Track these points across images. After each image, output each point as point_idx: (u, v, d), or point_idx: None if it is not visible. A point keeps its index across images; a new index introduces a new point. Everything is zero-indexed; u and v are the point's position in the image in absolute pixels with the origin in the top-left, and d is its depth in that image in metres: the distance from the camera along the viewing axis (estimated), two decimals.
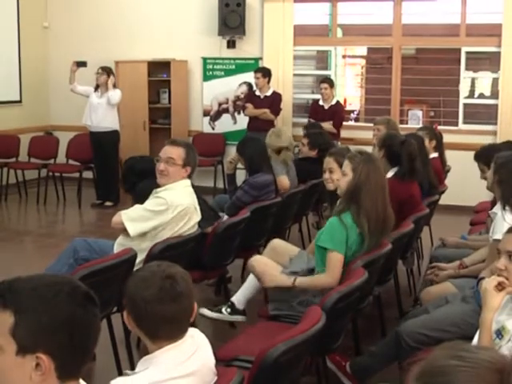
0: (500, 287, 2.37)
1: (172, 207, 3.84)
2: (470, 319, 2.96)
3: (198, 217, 4.06)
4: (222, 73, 9.22)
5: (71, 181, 8.76)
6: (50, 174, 8.71)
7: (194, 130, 9.35)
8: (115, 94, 8.04)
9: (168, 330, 1.99)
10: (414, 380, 1.20)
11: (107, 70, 8.12)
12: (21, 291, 1.37)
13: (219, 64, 9.19)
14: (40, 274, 1.47)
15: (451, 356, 1.20)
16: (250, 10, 8.83)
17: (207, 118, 9.37)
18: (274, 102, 8.19)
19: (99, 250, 3.99)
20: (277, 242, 4.28)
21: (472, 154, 4.69)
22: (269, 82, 8.22)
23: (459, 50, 8.34)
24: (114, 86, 8.11)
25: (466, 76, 8.50)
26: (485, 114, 8.93)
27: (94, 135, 8.26)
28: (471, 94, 9.39)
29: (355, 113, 11.09)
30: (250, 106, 8.21)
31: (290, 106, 8.88)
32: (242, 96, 9.03)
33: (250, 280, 4.03)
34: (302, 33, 9.00)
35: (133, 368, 3.26)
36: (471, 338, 2.40)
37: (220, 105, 9.30)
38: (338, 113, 8.08)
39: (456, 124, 8.44)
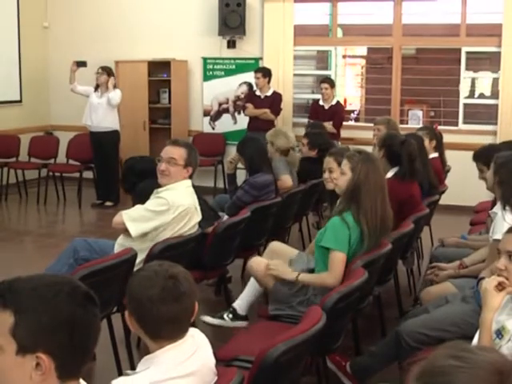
0: (500, 287, 2.38)
1: (173, 207, 3.84)
2: (470, 319, 2.96)
3: (198, 217, 4.06)
4: (222, 73, 9.22)
5: (71, 181, 8.76)
6: (50, 173, 8.71)
7: (194, 130, 9.35)
8: (115, 95, 8.04)
9: (170, 329, 1.99)
10: (414, 380, 1.20)
11: (107, 70, 8.12)
12: (21, 291, 1.37)
13: (219, 64, 9.20)
14: (40, 274, 1.47)
15: (452, 356, 1.20)
16: (251, 9, 8.83)
17: (207, 118, 9.37)
18: (275, 102, 8.19)
19: (99, 250, 3.99)
20: (276, 245, 4.29)
21: (472, 154, 4.68)
22: (269, 82, 8.22)
23: (459, 50, 8.34)
24: (115, 87, 8.11)
25: (466, 76, 8.50)
26: (485, 114, 8.93)
27: (94, 135, 8.26)
28: (471, 94, 9.39)
29: (355, 113, 11.09)
30: (250, 105, 8.21)
31: (290, 106, 8.88)
32: (242, 96, 9.03)
33: (251, 285, 4.02)
34: (302, 33, 9.00)
35: (133, 368, 3.27)
36: (471, 338, 2.40)
37: (220, 105, 9.30)
38: (338, 113, 8.08)
39: (456, 124, 8.44)
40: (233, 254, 4.55)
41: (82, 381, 1.46)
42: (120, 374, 3.48)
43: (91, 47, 9.38)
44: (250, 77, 8.73)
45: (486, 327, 2.34)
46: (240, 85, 9.12)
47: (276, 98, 8.22)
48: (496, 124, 8.12)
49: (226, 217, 4.85)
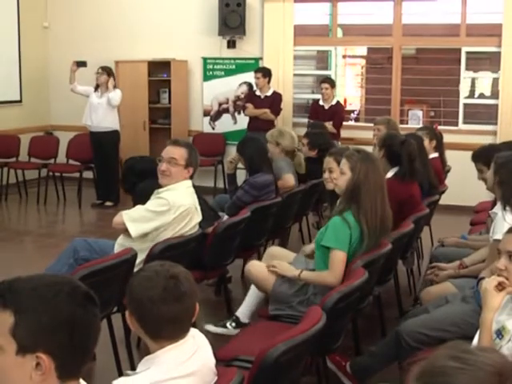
0: (500, 287, 2.37)
1: (174, 208, 3.84)
2: (470, 319, 2.96)
3: (198, 217, 4.06)
4: (222, 73, 9.22)
5: (71, 181, 8.76)
6: (50, 173, 8.71)
7: (194, 130, 9.35)
8: (116, 96, 8.04)
9: (171, 329, 1.99)
10: (414, 379, 1.20)
11: (107, 70, 8.12)
12: (21, 291, 1.37)
13: (219, 64, 9.20)
14: (40, 274, 1.47)
15: (452, 357, 1.20)
16: (251, 9, 8.83)
17: (207, 118, 9.37)
18: (275, 102, 8.19)
19: (99, 250, 3.99)
20: (275, 249, 4.30)
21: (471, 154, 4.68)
22: (269, 81, 8.22)
23: (459, 50, 8.34)
24: (114, 87, 8.11)
25: (466, 76, 8.50)
26: (485, 114, 8.93)
27: (94, 135, 8.26)
28: (471, 94, 9.39)
29: (355, 113, 11.10)
30: (250, 106, 8.21)
31: (290, 106, 8.88)
32: (242, 96, 9.03)
33: (252, 292, 4.00)
34: (302, 33, 9.00)
35: (133, 368, 3.27)
36: (471, 338, 2.40)
37: (220, 105, 9.30)
38: (338, 113, 8.08)
39: (456, 124, 8.44)
40: (233, 254, 4.55)
41: (82, 381, 1.46)
42: (120, 373, 3.48)
43: (91, 47, 9.38)
44: (250, 77, 8.73)
45: (486, 327, 2.34)
46: (240, 85, 9.12)
47: (276, 98, 8.22)
48: (496, 124, 8.12)
49: (225, 217, 4.85)
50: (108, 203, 8.34)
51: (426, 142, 5.56)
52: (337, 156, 3.98)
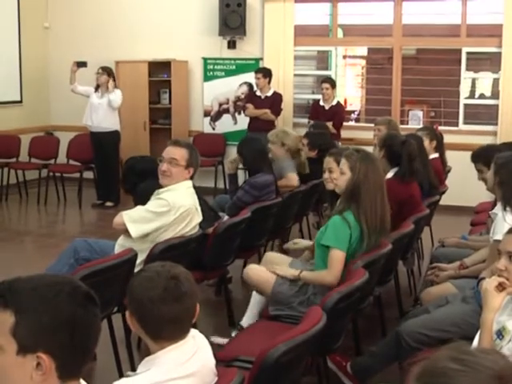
0: (500, 288, 2.38)
1: (174, 208, 3.83)
2: (471, 319, 2.96)
3: (199, 218, 4.06)
4: (223, 73, 9.22)
5: (72, 181, 8.76)
6: (51, 174, 8.71)
7: (194, 131, 9.36)
8: (117, 98, 8.04)
9: (171, 330, 1.99)
10: (414, 380, 1.21)
11: (107, 70, 8.12)
12: (21, 291, 1.37)
13: (220, 64, 9.20)
14: (40, 274, 1.47)
15: (453, 358, 1.20)
16: (251, 10, 8.83)
17: (208, 119, 9.37)
18: (275, 102, 8.19)
19: (100, 251, 3.99)
20: (272, 255, 4.29)
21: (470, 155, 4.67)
22: (269, 82, 8.22)
23: (460, 51, 8.34)
24: (115, 87, 8.10)
25: (466, 76, 8.50)
26: (485, 114, 8.93)
27: (94, 135, 8.27)
28: (472, 95, 9.40)
29: (356, 113, 11.10)
30: (250, 106, 8.21)
31: (290, 107, 8.88)
32: (243, 96, 9.03)
33: (254, 300, 3.98)
34: (302, 33, 9.00)
35: (133, 368, 3.27)
36: (472, 339, 2.40)
37: (220, 105, 9.30)
38: (338, 113, 8.08)
39: (456, 124, 8.44)
40: (233, 254, 4.55)
41: (82, 381, 1.46)
42: (120, 373, 3.48)
43: (92, 47, 9.38)
44: (250, 77, 8.73)
45: (487, 328, 2.34)
46: (240, 85, 9.12)
47: (276, 99, 8.22)
48: (496, 124, 8.12)
49: (226, 217, 4.85)
50: (108, 203, 8.34)
51: (427, 143, 5.55)
52: (337, 156, 3.98)
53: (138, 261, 3.60)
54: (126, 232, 3.85)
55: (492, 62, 8.92)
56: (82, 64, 8.34)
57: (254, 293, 3.94)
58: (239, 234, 4.47)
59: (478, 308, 2.76)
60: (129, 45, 9.34)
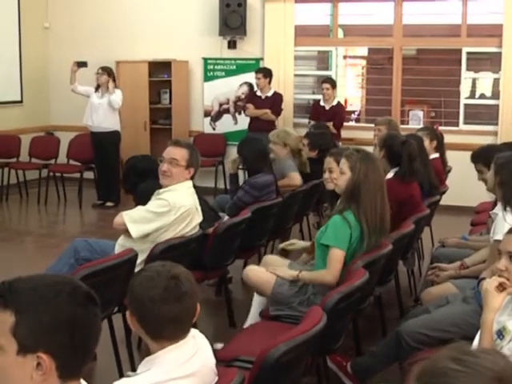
0: (501, 288, 2.38)
1: (175, 209, 3.83)
2: (471, 319, 2.96)
3: (199, 218, 4.06)
4: (223, 73, 9.22)
5: (72, 181, 8.76)
6: (51, 174, 8.71)
7: (194, 131, 9.35)
8: (117, 98, 8.03)
9: (171, 330, 1.99)
10: (414, 379, 1.20)
11: (107, 70, 8.12)
12: (21, 291, 1.37)
13: (220, 64, 9.20)
14: (41, 274, 1.47)
15: (453, 359, 1.20)
16: (251, 10, 8.83)
17: (208, 119, 9.37)
18: (275, 102, 8.19)
19: (100, 251, 3.99)
20: (270, 258, 4.29)
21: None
22: (270, 82, 8.22)
23: (460, 51, 8.34)
24: (115, 88, 8.10)
25: (466, 76, 8.50)
26: (486, 114, 8.93)
27: (94, 135, 8.27)
28: (472, 95, 9.40)
29: (356, 113, 11.10)
30: (250, 106, 8.22)
31: (290, 107, 8.88)
32: (243, 96, 9.03)
33: (255, 303, 3.97)
34: (302, 33, 9.00)
35: (133, 368, 3.27)
36: (472, 339, 2.40)
37: (221, 105, 9.30)
38: (338, 113, 8.07)
39: (457, 124, 8.43)
40: (233, 254, 4.55)
41: (82, 381, 1.46)
42: (121, 373, 3.48)
43: (92, 47, 9.38)
44: (250, 77, 8.73)
45: (487, 328, 2.34)
46: (241, 85, 9.12)
47: (277, 99, 8.22)
48: (497, 124, 8.12)
49: (226, 217, 4.85)
50: (109, 203, 8.34)
51: (427, 143, 5.55)
52: (337, 156, 3.98)
53: (139, 261, 3.61)
54: (127, 232, 3.85)
55: (492, 62, 8.92)
56: (82, 64, 8.34)
57: (256, 295, 3.94)
58: (239, 234, 4.47)
59: (479, 308, 2.76)
60: (129, 45, 9.34)
